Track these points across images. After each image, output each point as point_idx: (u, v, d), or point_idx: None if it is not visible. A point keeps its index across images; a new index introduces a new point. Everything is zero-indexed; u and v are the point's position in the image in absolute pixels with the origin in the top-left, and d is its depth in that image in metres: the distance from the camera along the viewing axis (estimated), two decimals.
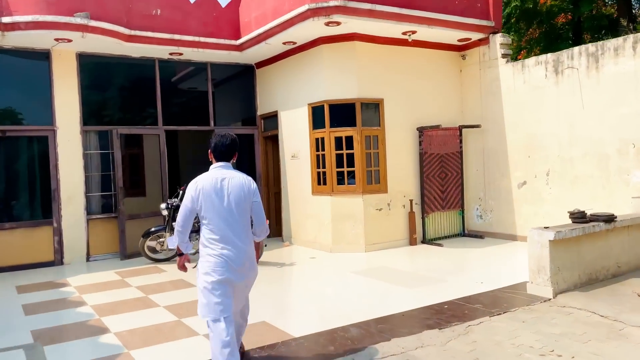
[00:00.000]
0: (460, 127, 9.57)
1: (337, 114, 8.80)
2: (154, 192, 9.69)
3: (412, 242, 9.07)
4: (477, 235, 9.49)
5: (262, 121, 10.79)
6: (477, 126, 9.43)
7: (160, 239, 8.42)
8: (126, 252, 9.00)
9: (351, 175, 8.77)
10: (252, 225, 3.74)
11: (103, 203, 9.26)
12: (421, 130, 9.19)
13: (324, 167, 8.91)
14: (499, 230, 9.28)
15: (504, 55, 9.13)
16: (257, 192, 3.75)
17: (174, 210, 8.19)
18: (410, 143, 9.24)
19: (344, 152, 8.72)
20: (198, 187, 3.56)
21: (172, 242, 6.13)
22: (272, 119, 10.45)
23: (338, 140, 8.76)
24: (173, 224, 8.19)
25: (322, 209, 8.92)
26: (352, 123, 8.69)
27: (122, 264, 8.66)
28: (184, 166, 13.46)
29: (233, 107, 10.98)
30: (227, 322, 3.49)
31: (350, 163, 8.72)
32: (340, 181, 8.82)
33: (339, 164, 8.77)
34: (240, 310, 3.85)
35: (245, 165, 10.96)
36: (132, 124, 9.52)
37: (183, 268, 3.85)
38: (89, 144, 9.14)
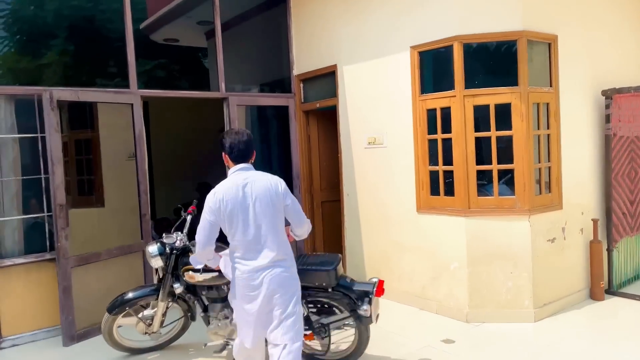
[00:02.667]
0: None
1: (477, 64, 4.71)
2: (121, 204, 5.39)
3: (597, 294, 5.13)
4: None
5: (302, 85, 6.58)
6: None
7: (146, 313, 4.15)
8: (74, 330, 4.70)
9: (505, 177, 4.73)
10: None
11: (27, 235, 4.90)
12: (610, 96, 5.22)
13: (447, 162, 4.83)
14: None
15: None
16: (289, 192, 3.13)
17: (177, 257, 3.94)
18: (589, 117, 5.25)
19: (493, 134, 4.66)
20: (217, 197, 3.01)
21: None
22: (321, 80, 6.27)
23: (480, 113, 4.69)
24: (175, 286, 3.95)
25: (445, 240, 4.86)
26: (509, 80, 4.63)
27: (66, 355, 4.39)
28: (178, 161, 9.05)
29: (254, 61, 6.73)
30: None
31: (504, 155, 4.67)
32: (482, 189, 4.77)
33: (483, 157, 4.71)
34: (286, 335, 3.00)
35: (273, 158, 6.77)
36: (80, 84, 5.14)
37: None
38: None
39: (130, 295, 4.08)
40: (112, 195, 5.36)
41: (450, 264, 4.82)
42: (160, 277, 4.03)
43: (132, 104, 5.30)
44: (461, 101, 4.65)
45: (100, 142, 5.33)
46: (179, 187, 8.84)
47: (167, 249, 3.90)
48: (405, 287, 5.28)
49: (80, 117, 5.26)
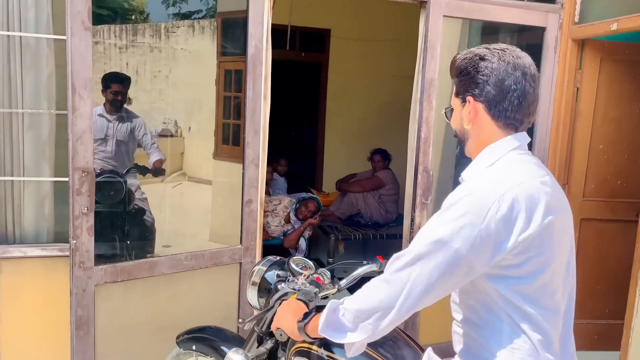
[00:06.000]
0: None
1: None
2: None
3: None
4: None
5: None
6: None
7: None
8: None
9: None
10: None
11: (57, 210, 2.91)
12: None
13: None
14: None
15: None
16: None
17: None
18: None
19: None
20: (521, 213, 1.20)
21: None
22: None
23: None
24: None
25: None
26: None
27: None
28: (366, 116, 6.61)
29: None
30: None
31: None
32: None
33: None
34: None
35: None
36: None
37: None
38: None
39: None
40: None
41: None
42: None
43: None
44: None
45: None
46: (355, 150, 6.45)
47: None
48: None
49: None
